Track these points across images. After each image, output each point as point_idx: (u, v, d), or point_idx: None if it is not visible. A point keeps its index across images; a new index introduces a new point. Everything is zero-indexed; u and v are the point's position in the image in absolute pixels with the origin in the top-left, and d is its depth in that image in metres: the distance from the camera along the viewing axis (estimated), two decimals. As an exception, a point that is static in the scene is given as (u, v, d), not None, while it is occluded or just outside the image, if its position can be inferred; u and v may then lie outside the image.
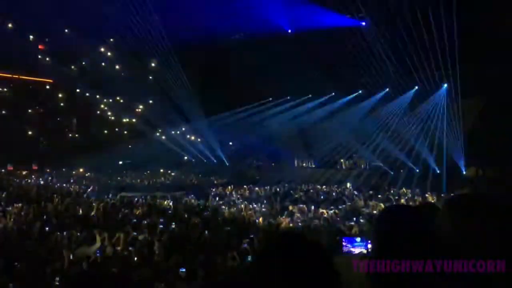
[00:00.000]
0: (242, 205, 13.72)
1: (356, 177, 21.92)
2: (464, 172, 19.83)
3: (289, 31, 20.99)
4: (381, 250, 1.77)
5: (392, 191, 17.10)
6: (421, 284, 1.51)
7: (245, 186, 19.67)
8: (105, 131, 34.18)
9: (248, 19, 19.71)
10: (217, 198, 15.96)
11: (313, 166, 27.54)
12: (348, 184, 20.07)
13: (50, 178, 24.24)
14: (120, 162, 31.97)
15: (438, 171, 20.34)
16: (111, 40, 24.55)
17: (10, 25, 23.92)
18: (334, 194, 17.25)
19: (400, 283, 1.55)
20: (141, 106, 32.44)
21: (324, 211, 11.99)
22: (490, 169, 18.70)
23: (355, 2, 17.69)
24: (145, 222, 10.63)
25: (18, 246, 8.27)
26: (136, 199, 15.55)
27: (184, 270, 6.36)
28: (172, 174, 28.89)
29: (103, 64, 27.14)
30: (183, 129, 32.04)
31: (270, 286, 1.27)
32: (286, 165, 28.12)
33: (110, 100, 31.87)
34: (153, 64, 27.64)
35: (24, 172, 26.48)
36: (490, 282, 1.41)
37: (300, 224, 10.63)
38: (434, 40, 17.10)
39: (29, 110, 33.52)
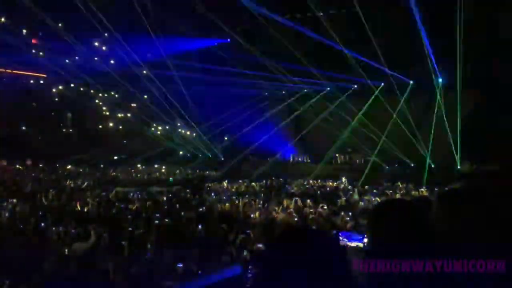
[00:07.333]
0: (238, 200, 13.70)
1: (351, 172, 21.97)
2: (459, 167, 19.94)
3: None
4: (376, 245, 1.77)
5: (387, 186, 17.16)
6: (420, 283, 1.51)
7: (240, 181, 19.66)
8: (100, 126, 33.92)
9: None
10: (212, 193, 15.95)
11: (309, 161, 27.62)
12: (343, 179, 20.11)
13: (44, 173, 24.07)
14: (115, 157, 31.83)
15: (433, 166, 20.44)
16: (106, 34, 24.24)
17: (2, 19, 23.56)
18: (329, 188, 17.28)
19: (398, 282, 1.55)
20: (136, 101, 32.18)
21: (320, 205, 12.01)
22: (484, 163, 18.81)
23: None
24: (140, 217, 10.62)
25: (13, 242, 8.22)
26: (131, 194, 15.50)
27: (181, 265, 6.36)
28: (168, 169, 28.78)
29: (96, 58, 26.81)
30: (178, 124, 31.89)
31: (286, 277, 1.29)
32: (281, 160, 28.16)
33: (105, 95, 31.60)
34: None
35: (18, 167, 26.29)
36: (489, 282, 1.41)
37: (296, 219, 10.63)
38: (431, 33, 17.10)
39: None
